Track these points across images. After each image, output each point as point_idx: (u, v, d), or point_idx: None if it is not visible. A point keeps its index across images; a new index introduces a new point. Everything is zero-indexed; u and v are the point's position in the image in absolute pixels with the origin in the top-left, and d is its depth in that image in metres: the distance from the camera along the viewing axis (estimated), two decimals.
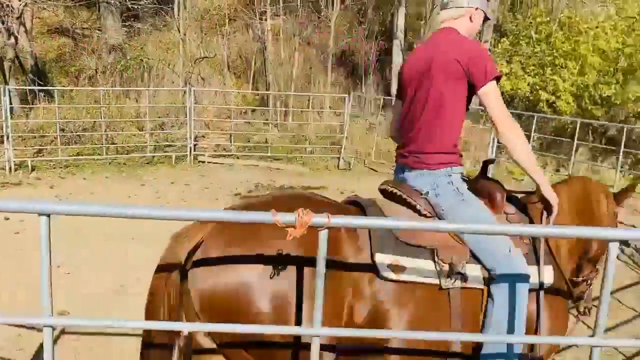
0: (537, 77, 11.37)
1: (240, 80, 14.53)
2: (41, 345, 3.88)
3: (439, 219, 2.36)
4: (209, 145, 11.36)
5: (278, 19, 13.75)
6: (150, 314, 2.34)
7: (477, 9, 2.53)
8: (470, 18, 2.54)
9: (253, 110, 12.96)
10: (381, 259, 2.09)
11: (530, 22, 12.34)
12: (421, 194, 2.42)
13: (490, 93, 2.33)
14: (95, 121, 11.05)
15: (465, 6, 2.52)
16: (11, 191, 8.23)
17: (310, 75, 14.17)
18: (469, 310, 2.24)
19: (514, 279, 2.19)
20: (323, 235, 1.54)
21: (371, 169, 10.95)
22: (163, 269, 2.29)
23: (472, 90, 2.39)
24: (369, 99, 13.53)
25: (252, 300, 1.95)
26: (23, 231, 6.32)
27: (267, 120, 12.37)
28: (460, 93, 2.39)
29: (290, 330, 1.81)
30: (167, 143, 11.06)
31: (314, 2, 14.44)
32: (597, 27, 10.62)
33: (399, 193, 2.47)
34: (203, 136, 11.64)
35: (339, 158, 11.05)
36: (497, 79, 2.36)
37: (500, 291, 2.21)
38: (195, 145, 10.77)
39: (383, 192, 2.68)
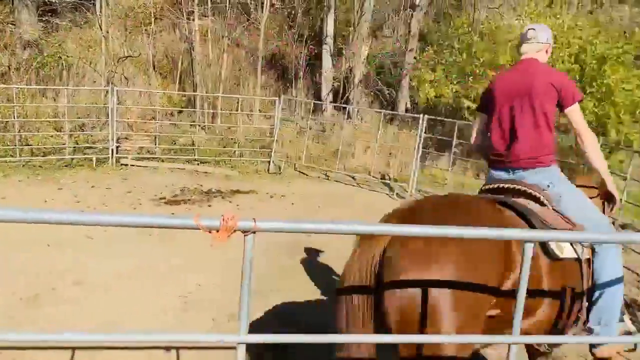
0: (459, 85, 11.86)
1: (167, 80, 14.12)
2: None
3: (555, 207, 2.94)
4: (132, 147, 10.94)
5: (206, 20, 13.50)
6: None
7: (550, 44, 3.24)
8: (547, 51, 3.24)
9: (180, 112, 12.63)
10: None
11: (453, 33, 12.87)
12: (543, 189, 2.99)
13: (576, 112, 3.04)
14: (7, 121, 10.35)
15: (544, 42, 3.20)
16: None
17: (240, 77, 14.01)
18: (589, 273, 2.84)
19: (615, 245, 2.90)
20: (249, 240, 1.50)
21: (301, 172, 10.98)
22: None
23: (559, 107, 3.07)
24: (299, 102, 13.56)
25: None
26: None
27: (194, 122, 12.09)
28: (553, 110, 3.06)
29: (218, 337, 1.75)
30: (88, 145, 10.54)
31: (242, 4, 14.30)
32: (515, 39, 11.25)
33: (523, 188, 3.00)
34: (126, 138, 11.20)
35: (269, 162, 10.99)
36: (580, 100, 3.04)
37: (608, 254, 2.85)
38: (117, 147, 10.34)
39: (492, 190, 3.15)
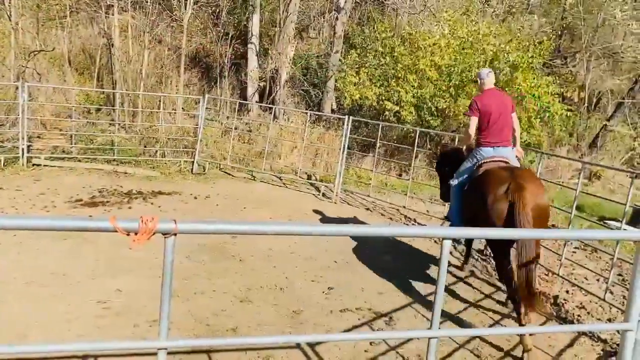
0: (382, 87, 12.15)
1: (84, 77, 13.45)
2: None
3: (513, 163, 5.39)
4: (45, 146, 10.32)
5: (126, 14, 12.99)
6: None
7: None
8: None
9: (98, 110, 12.08)
10: None
11: (376, 37, 13.16)
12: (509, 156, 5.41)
13: (515, 115, 5.63)
14: None
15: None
16: None
17: (162, 75, 13.60)
18: None
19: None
20: (170, 242, 1.46)
21: (226, 173, 10.82)
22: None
23: None
24: (224, 102, 13.37)
25: None
26: None
27: (113, 120, 11.60)
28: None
29: (138, 344, 1.69)
30: None
31: (165, 0, 13.89)
32: (434, 44, 11.68)
33: (503, 158, 5.34)
34: (38, 137, 10.56)
35: (192, 162, 10.74)
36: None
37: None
38: (29, 146, 9.72)
39: (493, 160, 5.30)
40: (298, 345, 4.26)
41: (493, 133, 5.29)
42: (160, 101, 12.31)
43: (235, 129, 11.70)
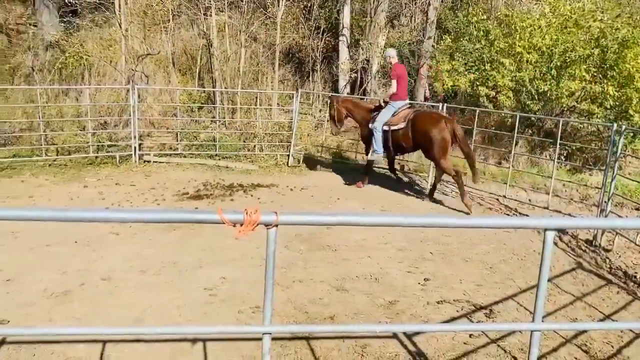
0: (477, 72, 11.72)
1: (186, 77, 14.25)
2: None
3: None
4: (154, 144, 11.09)
5: (223, 15, 13.56)
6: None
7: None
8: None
9: (200, 108, 12.76)
10: None
11: (470, 20, 12.70)
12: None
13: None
14: (32, 121, 10.59)
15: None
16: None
17: (258, 72, 14.07)
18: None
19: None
20: (272, 233, 1.55)
21: (320, 165, 11.01)
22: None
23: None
24: (316, 95, 13.58)
25: None
26: None
27: (214, 118, 12.20)
28: None
29: (244, 329, 1.81)
30: (111, 143, 10.73)
31: None
32: (532, 25, 11.06)
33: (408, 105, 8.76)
34: (148, 135, 11.36)
35: (288, 155, 11.04)
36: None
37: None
38: (140, 144, 10.50)
39: (403, 109, 8.61)
40: (395, 335, 4.28)
41: (403, 92, 8.65)
42: (256, 98, 12.76)
43: (328, 121, 11.86)
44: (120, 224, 6.48)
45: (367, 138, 8.98)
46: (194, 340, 4.01)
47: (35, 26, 15.05)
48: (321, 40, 14.52)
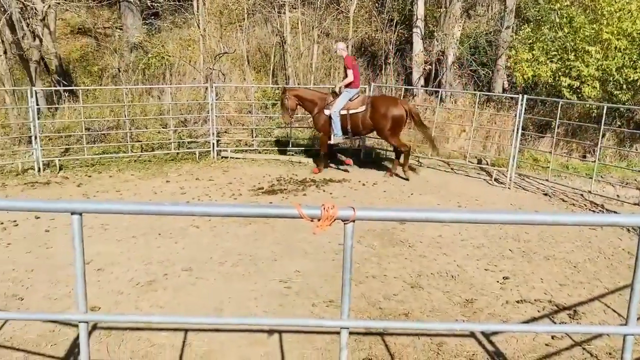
0: (559, 62, 11.13)
1: (260, 74, 14.56)
2: (74, 340, 3.98)
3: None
4: (231, 140, 11.43)
5: (296, 12, 13.72)
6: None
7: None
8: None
9: (274, 105, 13.00)
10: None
11: (552, 7, 12.07)
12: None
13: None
14: (119, 119, 11.22)
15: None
16: (40, 190, 8.42)
17: (330, 67, 14.13)
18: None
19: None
20: (349, 228, 1.55)
21: (392, 160, 10.89)
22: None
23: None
24: (389, 88, 13.44)
25: None
26: (54, 229, 6.47)
27: None
28: None
29: (321, 322, 1.82)
30: (191, 139, 11.17)
31: None
32: (621, 9, 10.34)
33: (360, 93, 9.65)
34: (225, 132, 11.72)
35: (360, 150, 11.02)
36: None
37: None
38: (217, 141, 10.86)
39: (358, 95, 9.53)
40: (472, 334, 4.17)
41: (357, 80, 9.40)
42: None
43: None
44: (200, 217, 6.74)
45: (321, 124, 9.55)
46: (270, 331, 4.11)
47: (121, 29, 15.93)
48: (394, 33, 14.35)
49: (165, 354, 3.85)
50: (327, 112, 9.35)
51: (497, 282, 5.27)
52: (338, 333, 4.07)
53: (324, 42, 14.34)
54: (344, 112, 9.28)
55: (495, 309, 4.69)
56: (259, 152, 11.03)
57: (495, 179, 9.44)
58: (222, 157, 10.71)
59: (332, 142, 9.59)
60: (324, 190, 8.61)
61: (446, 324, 2.22)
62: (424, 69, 13.98)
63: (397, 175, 9.53)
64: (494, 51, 13.62)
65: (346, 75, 9.29)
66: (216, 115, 10.78)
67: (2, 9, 10.79)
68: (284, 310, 4.56)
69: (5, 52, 11.20)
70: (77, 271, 1.58)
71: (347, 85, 9.31)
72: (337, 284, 5.04)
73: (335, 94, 9.46)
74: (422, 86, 13.69)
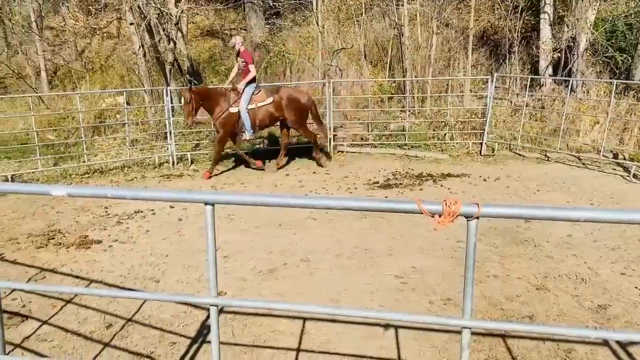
0: None
1: (377, 68, 14.53)
2: (202, 322, 4.28)
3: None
4: (347, 135, 11.56)
5: (414, 3, 13.48)
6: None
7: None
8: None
9: (390, 98, 12.91)
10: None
11: None
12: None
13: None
14: None
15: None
16: (174, 182, 9.14)
17: (449, 58, 13.72)
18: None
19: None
20: (473, 225, 1.49)
21: (517, 153, 10.34)
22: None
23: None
24: (513, 79, 12.75)
25: None
26: (185, 218, 7.00)
27: (404, 107, 12.24)
28: None
29: (442, 320, 1.79)
30: None
31: None
32: None
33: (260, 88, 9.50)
34: (341, 126, 11.87)
35: (481, 143, 10.59)
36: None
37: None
38: (334, 135, 11.02)
39: (259, 90, 9.33)
40: (606, 343, 3.84)
41: (256, 75, 9.29)
42: (447, 85, 12.47)
43: (526, 106, 11.07)
44: (318, 210, 6.91)
45: (224, 123, 9.13)
46: (386, 326, 4.11)
47: (245, 30, 16.74)
48: (519, 20, 13.56)
49: (285, 340, 4.01)
50: (233, 109, 9.07)
51: (636, 287, 4.80)
52: (457, 332, 3.97)
53: (443, 33, 13.95)
54: (252, 106, 9.10)
55: (633, 317, 4.28)
56: (375, 146, 11.03)
57: (634, 175, 8.59)
58: (338, 152, 10.86)
59: (246, 138, 9.53)
60: (441, 185, 8.41)
61: (579, 330, 2.06)
62: (552, 57, 13.06)
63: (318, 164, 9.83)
64: (635, 35, 12.36)
65: (249, 71, 9.01)
66: (333, 111, 10.95)
67: (142, 16, 11.83)
68: (400, 305, 4.53)
69: (144, 55, 12.28)
70: (209, 257, 1.69)
71: (250, 81, 9.08)
72: (455, 282, 4.90)
73: (234, 91, 9.16)
74: (550, 75, 12.81)
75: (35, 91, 14.97)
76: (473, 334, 3.95)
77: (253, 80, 9.18)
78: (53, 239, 6.28)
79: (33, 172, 9.58)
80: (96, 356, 3.84)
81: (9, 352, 3.54)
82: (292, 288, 4.91)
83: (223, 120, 9.13)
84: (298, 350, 3.87)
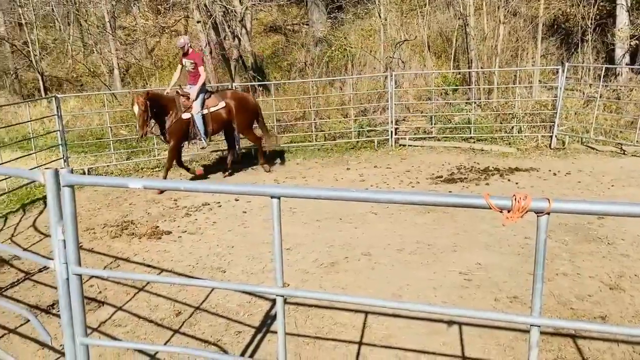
0: None
1: (441, 60, 14.25)
2: (266, 312, 4.38)
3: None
4: (409, 128, 11.42)
5: None
6: None
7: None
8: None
9: (454, 90, 12.63)
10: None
11: None
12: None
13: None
14: (305, 111, 11.93)
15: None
16: (238, 176, 9.37)
17: (517, 48, 13.24)
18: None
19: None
20: (543, 221, 1.45)
21: (589, 147, 9.86)
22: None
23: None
24: (586, 68, 12.15)
25: None
26: (250, 211, 7.17)
27: (469, 99, 11.95)
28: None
29: (510, 317, 1.75)
30: (370, 128, 11.42)
31: None
32: None
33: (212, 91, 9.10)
34: (403, 119, 11.75)
35: (551, 136, 10.17)
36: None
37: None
38: (396, 129, 10.93)
39: (211, 95, 8.82)
40: None
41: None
42: (515, 75, 12.05)
43: (600, 97, 10.52)
44: (378, 204, 6.88)
45: (176, 131, 8.42)
46: (449, 322, 4.05)
47: (307, 24, 16.86)
48: (593, 6, 12.89)
49: (347, 333, 4.03)
50: (186, 115, 8.43)
51: None
52: (523, 331, 3.87)
53: (510, 22, 13.48)
54: (205, 111, 8.55)
55: None
56: (438, 140, 10.84)
57: None
58: (400, 145, 10.76)
59: (204, 146, 9.33)
60: (509, 180, 8.16)
61: None
62: (630, 44, 12.33)
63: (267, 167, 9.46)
64: None
65: (198, 74, 8.42)
66: (395, 104, 10.85)
67: (209, 14, 12.16)
68: (464, 302, 4.45)
69: (210, 52, 12.62)
70: (276, 249, 1.73)
71: (201, 84, 8.45)
72: (522, 279, 4.76)
73: (183, 96, 8.51)
74: (626, 64, 12.11)
75: (109, 89, 15.75)
76: (541, 333, 3.82)
77: (205, 83, 8.68)
78: (126, 229, 6.60)
79: (107, 166, 10.10)
80: (166, 342, 4.02)
81: (89, 335, 3.79)
82: (354, 282, 4.93)
83: (175, 128, 8.40)
84: (360, 343, 3.89)
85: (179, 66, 8.86)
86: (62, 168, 1.91)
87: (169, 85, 8.80)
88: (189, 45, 8.60)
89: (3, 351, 2.65)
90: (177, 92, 8.54)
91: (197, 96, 8.46)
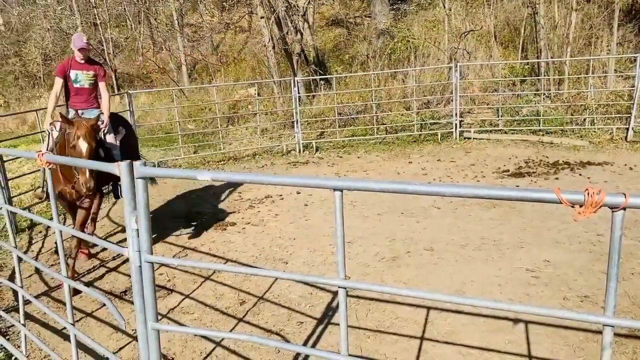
0: None
1: (508, 50, 13.77)
2: (327, 304, 4.42)
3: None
4: (474, 120, 11.13)
5: None
6: None
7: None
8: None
9: (522, 81, 12.18)
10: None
11: None
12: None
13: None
14: (366, 104, 11.88)
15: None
16: (300, 169, 9.48)
17: (591, 36, 12.59)
18: None
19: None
20: (618, 216, 1.38)
21: None
22: None
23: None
24: None
25: None
26: (311, 204, 7.24)
27: (538, 90, 11.49)
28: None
29: (581, 316, 1.68)
30: (433, 121, 11.23)
31: None
32: None
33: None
34: (468, 112, 11.46)
35: (627, 128, 9.62)
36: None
37: None
38: (460, 121, 10.68)
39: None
40: None
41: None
42: (588, 65, 11.47)
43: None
44: (442, 198, 6.77)
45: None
46: (515, 320, 3.94)
47: (369, 17, 16.75)
48: None
49: (409, 327, 4.01)
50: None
51: None
52: (594, 331, 3.71)
53: (583, 9, 12.82)
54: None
55: None
56: (505, 132, 10.50)
57: None
58: (464, 138, 10.51)
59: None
60: (580, 174, 7.80)
61: None
62: None
63: None
64: None
65: (97, 91, 5.77)
66: (460, 95, 10.60)
67: (272, 9, 12.33)
68: (531, 300, 4.31)
69: (273, 47, 12.80)
70: (338, 241, 1.75)
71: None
72: (593, 278, 4.55)
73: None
74: None
75: (177, 84, 16.32)
76: (615, 334, 3.64)
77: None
78: (193, 220, 6.84)
79: (176, 159, 10.49)
80: (231, 330, 4.14)
81: (159, 320, 3.97)
82: (416, 276, 4.88)
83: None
84: (422, 338, 3.86)
85: (58, 80, 5.55)
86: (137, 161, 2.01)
87: (48, 112, 5.59)
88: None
89: (82, 333, 2.83)
90: (64, 120, 4.95)
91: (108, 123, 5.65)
